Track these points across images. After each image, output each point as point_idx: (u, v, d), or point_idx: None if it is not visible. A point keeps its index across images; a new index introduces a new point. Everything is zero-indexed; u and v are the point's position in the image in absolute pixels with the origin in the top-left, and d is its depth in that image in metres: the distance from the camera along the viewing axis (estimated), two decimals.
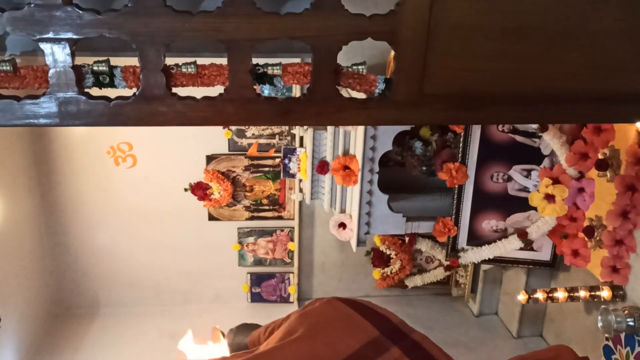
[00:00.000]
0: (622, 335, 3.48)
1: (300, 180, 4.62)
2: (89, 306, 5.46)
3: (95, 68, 1.44)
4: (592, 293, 3.76)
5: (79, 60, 1.47)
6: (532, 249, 4.24)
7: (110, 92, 1.48)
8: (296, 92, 4.62)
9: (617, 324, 3.40)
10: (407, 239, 4.83)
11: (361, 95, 1.53)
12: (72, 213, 5.21)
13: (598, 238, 3.57)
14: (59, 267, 5.33)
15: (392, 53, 1.39)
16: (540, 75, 1.46)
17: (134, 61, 1.41)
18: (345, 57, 1.62)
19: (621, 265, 3.45)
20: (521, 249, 4.19)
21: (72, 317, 5.36)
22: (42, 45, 1.33)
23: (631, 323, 3.37)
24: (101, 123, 1.43)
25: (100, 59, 1.45)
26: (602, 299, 3.67)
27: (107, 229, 5.29)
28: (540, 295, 3.98)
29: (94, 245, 5.32)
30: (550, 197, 3.79)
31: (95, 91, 1.48)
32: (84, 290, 5.44)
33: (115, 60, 1.57)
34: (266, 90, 4.44)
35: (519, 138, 3.94)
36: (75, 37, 1.33)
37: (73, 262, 5.34)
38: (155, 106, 1.40)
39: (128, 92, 1.44)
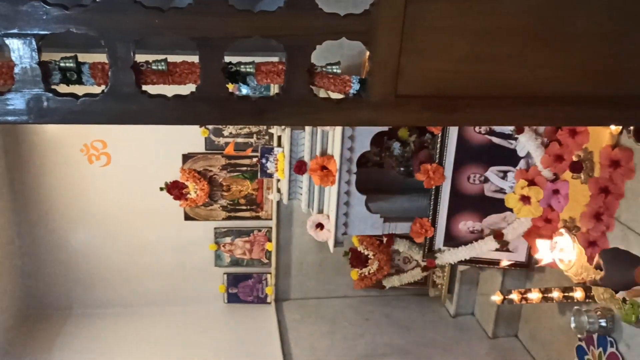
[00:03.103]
0: (595, 336, 3.52)
1: (278, 180, 4.59)
2: (62, 307, 5.36)
3: (62, 64, 1.40)
4: (566, 294, 3.80)
5: (49, 56, 1.44)
6: (507, 250, 4.27)
7: (84, 90, 1.44)
8: (274, 91, 4.60)
9: (589, 324, 3.45)
10: (385, 239, 4.83)
11: (339, 96, 1.52)
12: (44, 212, 5.11)
13: None
14: (31, 267, 5.23)
15: (367, 53, 1.38)
16: (514, 78, 1.46)
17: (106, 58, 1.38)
18: (322, 57, 1.61)
19: None
20: (497, 249, 4.22)
21: (45, 318, 5.25)
22: (8, 41, 1.29)
23: (603, 324, 3.42)
24: (69, 121, 1.40)
25: (68, 55, 1.41)
26: (576, 300, 3.71)
27: (81, 228, 5.21)
28: (515, 296, 4.01)
29: (67, 245, 5.23)
30: (525, 199, 3.83)
31: (65, 89, 1.45)
32: (56, 291, 5.34)
33: (85, 57, 1.53)
34: (244, 89, 4.41)
35: (495, 139, 3.97)
36: (41, 32, 1.30)
37: (45, 262, 5.24)
38: (125, 104, 1.37)
39: (98, 89, 1.40)
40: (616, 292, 1.94)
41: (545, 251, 2.01)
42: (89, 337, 5.04)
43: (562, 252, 1.99)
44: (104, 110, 1.37)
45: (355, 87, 1.47)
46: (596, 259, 1.88)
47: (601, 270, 1.89)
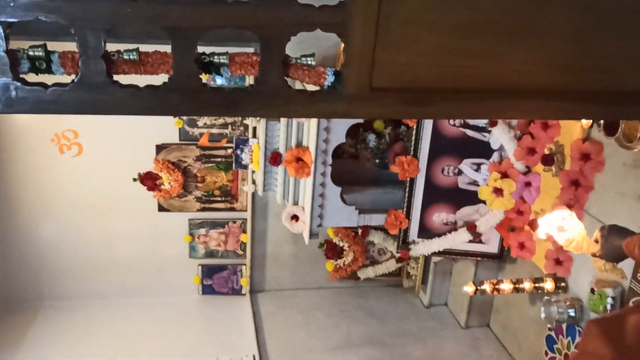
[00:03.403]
0: (564, 326, 3.59)
1: (253, 172, 4.57)
2: (32, 299, 5.27)
3: (30, 53, 1.37)
4: (536, 285, 3.87)
5: (17, 45, 1.40)
6: (480, 242, 4.33)
7: (53, 79, 1.41)
8: (249, 82, 4.56)
9: (559, 314, 3.52)
10: (360, 231, 4.85)
11: (314, 88, 1.51)
12: (14, 203, 5.01)
13: None
14: (0, 258, 5.12)
15: (342, 45, 1.37)
16: (488, 72, 1.47)
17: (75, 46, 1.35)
18: (299, 48, 1.60)
19: (564, 257, 3.56)
20: (470, 241, 4.27)
21: (14, 310, 5.16)
22: None
23: (572, 314, 3.49)
24: (38, 110, 1.36)
25: (36, 43, 1.38)
26: (546, 291, 3.79)
27: (52, 219, 5.12)
28: (487, 286, 4.06)
29: (39, 236, 5.13)
30: (498, 191, 3.88)
31: (34, 78, 1.41)
32: (27, 283, 5.24)
33: (54, 46, 1.49)
34: (219, 80, 4.37)
35: (469, 132, 4.01)
36: (8, 20, 1.25)
37: (16, 254, 5.14)
38: (96, 94, 1.34)
39: (68, 79, 1.37)
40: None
41: (546, 227, 2.16)
42: (61, 329, 4.97)
43: (563, 229, 2.13)
44: (74, 100, 1.34)
45: (330, 79, 1.46)
46: (596, 233, 2.09)
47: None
